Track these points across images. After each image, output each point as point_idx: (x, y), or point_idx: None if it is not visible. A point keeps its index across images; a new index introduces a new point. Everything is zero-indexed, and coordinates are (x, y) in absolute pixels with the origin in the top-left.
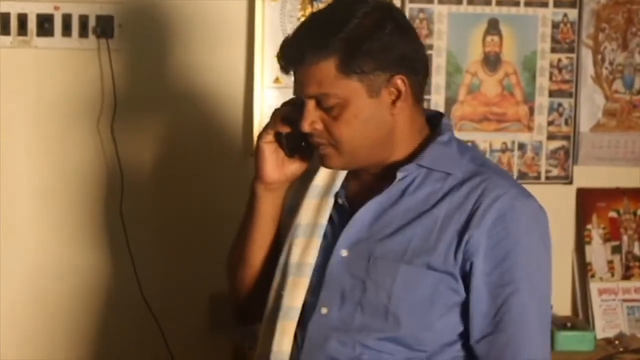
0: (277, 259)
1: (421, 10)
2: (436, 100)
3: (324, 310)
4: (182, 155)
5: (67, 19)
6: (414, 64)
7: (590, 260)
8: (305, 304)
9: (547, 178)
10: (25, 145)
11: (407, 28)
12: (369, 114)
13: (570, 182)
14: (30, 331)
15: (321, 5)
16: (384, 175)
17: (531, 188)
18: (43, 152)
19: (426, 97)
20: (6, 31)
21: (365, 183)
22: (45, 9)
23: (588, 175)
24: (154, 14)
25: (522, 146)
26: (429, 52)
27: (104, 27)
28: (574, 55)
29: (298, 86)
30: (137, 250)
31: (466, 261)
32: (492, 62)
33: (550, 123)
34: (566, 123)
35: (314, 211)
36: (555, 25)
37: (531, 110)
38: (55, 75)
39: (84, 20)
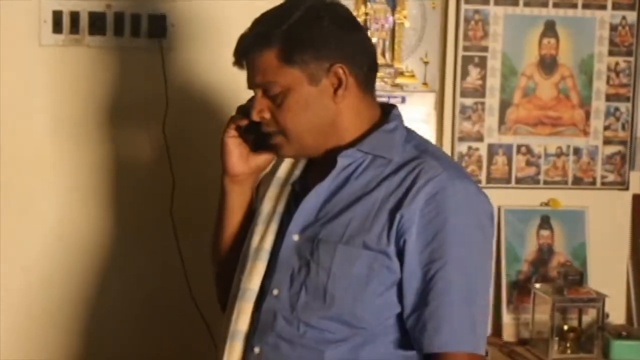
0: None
1: (476, 11)
2: (491, 103)
3: (275, 292)
4: None
5: (119, 18)
6: (356, 54)
7: None
8: (263, 288)
9: (602, 184)
10: (76, 145)
11: (348, 20)
12: (310, 101)
13: (627, 188)
14: (82, 333)
15: (375, 6)
16: (332, 162)
17: (586, 194)
18: (93, 153)
19: (480, 100)
20: (58, 29)
21: (319, 172)
22: (97, 7)
23: None
24: (207, 13)
25: (577, 151)
26: (483, 54)
27: (156, 27)
28: (632, 59)
29: (248, 78)
30: (188, 253)
31: (399, 239)
32: (548, 64)
33: (606, 128)
34: (623, 128)
35: (274, 200)
36: (613, 28)
37: (587, 115)
38: (107, 74)
39: (136, 19)
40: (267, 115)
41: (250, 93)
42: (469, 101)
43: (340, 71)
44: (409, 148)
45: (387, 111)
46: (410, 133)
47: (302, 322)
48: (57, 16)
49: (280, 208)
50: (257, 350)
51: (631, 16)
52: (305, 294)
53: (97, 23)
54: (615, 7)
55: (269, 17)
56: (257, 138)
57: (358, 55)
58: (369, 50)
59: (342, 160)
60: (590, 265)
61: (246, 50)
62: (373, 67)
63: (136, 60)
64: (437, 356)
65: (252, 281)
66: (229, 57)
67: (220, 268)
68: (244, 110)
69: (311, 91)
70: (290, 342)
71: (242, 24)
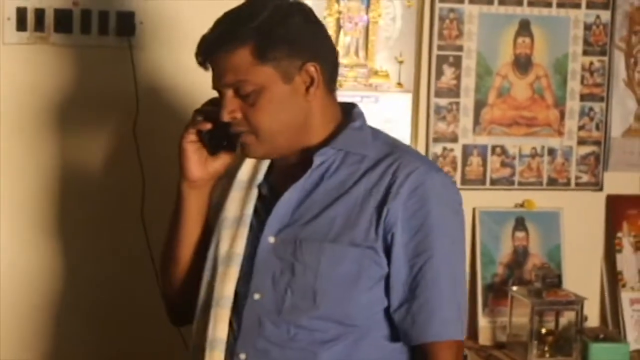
0: (205, 255)
1: (451, 10)
2: (465, 103)
3: (256, 296)
4: None
5: (86, 15)
6: (325, 53)
7: (622, 269)
8: (237, 293)
9: (577, 184)
10: (40, 147)
11: (315, 20)
12: (284, 100)
13: (600, 189)
14: (49, 339)
15: (349, 4)
16: (302, 162)
17: (561, 195)
18: (60, 154)
19: (455, 100)
20: (22, 27)
21: (285, 173)
22: (64, 4)
23: (618, 182)
24: (177, 11)
25: (552, 151)
26: (458, 53)
27: (125, 24)
28: (605, 59)
29: (216, 78)
30: (159, 254)
31: (387, 234)
32: (522, 64)
33: (580, 128)
34: (597, 128)
35: (239, 203)
36: (587, 27)
37: (562, 115)
38: (73, 73)
39: (103, 16)
40: (238, 116)
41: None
42: (443, 101)
43: (313, 69)
44: (379, 144)
45: (348, 110)
46: (373, 129)
47: (291, 324)
48: (21, 13)
49: (248, 211)
50: (242, 356)
51: (605, 15)
52: (292, 296)
53: (63, 20)
54: (590, 6)
55: (236, 15)
56: (214, 141)
57: (327, 54)
58: (334, 48)
59: (317, 159)
60: (565, 266)
61: (214, 50)
62: (337, 66)
63: (104, 59)
64: (426, 346)
65: (227, 287)
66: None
67: (174, 277)
68: (204, 113)
69: (285, 89)
70: (281, 345)
71: (212, 21)
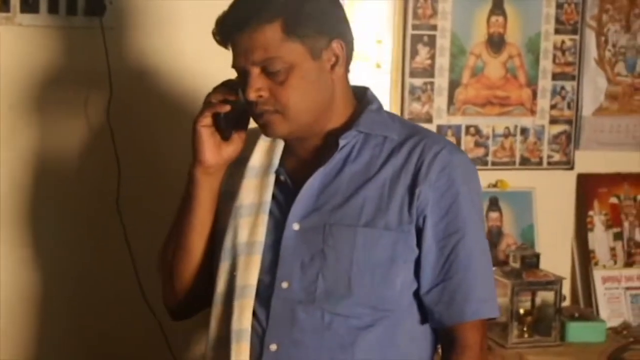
0: (215, 246)
1: None
2: (439, 82)
3: (284, 285)
4: (186, 143)
5: None
6: (346, 32)
7: (593, 248)
8: (259, 283)
9: (549, 164)
10: (7, 133)
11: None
12: (314, 77)
13: (572, 168)
14: (25, 332)
15: None
16: (321, 146)
17: (533, 174)
18: (30, 142)
19: (429, 80)
20: None
21: (302, 158)
22: None
23: (589, 161)
24: None
25: (524, 131)
26: (433, 32)
27: (94, 4)
28: (577, 37)
29: (240, 56)
30: (136, 245)
31: (419, 216)
32: (496, 43)
33: (552, 107)
34: (568, 107)
35: (256, 190)
36: (559, 6)
37: (534, 94)
38: (42, 55)
39: None
40: (265, 94)
41: (212, 77)
42: (418, 81)
43: (338, 47)
44: (398, 126)
45: (361, 93)
46: (390, 113)
47: (326, 311)
48: None
49: (267, 198)
50: (273, 347)
51: None
52: (324, 282)
53: (29, 0)
54: None
55: None
56: (230, 125)
57: (347, 33)
58: (351, 29)
59: (342, 142)
60: (538, 246)
61: (240, 26)
62: (353, 47)
63: (73, 40)
64: (460, 326)
65: (250, 276)
66: (176, 39)
67: (184, 271)
68: (220, 96)
69: (313, 66)
70: (316, 334)
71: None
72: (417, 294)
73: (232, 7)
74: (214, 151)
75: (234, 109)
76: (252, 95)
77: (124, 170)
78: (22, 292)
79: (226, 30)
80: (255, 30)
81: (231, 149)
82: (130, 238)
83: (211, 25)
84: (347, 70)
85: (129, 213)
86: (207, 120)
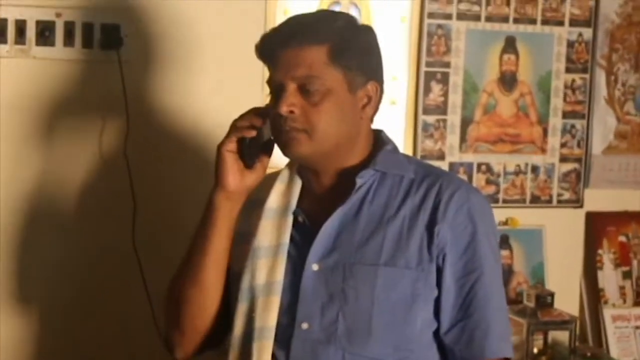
0: (230, 287)
1: (439, 26)
2: (452, 120)
3: (304, 326)
4: (205, 180)
5: (69, 27)
6: (382, 78)
7: (603, 286)
8: (278, 324)
9: (558, 202)
10: (24, 167)
11: (379, 44)
12: (346, 109)
13: (581, 206)
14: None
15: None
16: (338, 185)
17: (543, 212)
18: (45, 175)
19: (442, 117)
20: (3, 39)
21: (319, 197)
22: (46, 15)
23: (598, 199)
24: (163, 25)
25: (535, 169)
26: (446, 69)
27: (111, 37)
28: (587, 76)
29: (281, 70)
30: (152, 282)
31: (439, 254)
32: (508, 81)
33: (563, 145)
34: (578, 145)
35: (273, 232)
36: (570, 45)
37: (545, 132)
38: (57, 88)
39: (87, 29)
40: (297, 111)
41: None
42: (431, 118)
43: (373, 88)
44: (414, 166)
45: (376, 135)
46: (404, 154)
47: (347, 352)
48: (1, 24)
49: (285, 240)
50: None
51: (587, 33)
52: (344, 322)
53: (45, 32)
54: (573, 23)
55: (311, 17)
56: (254, 151)
57: (382, 79)
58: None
59: (359, 181)
60: (547, 284)
61: (289, 42)
62: (383, 93)
63: (89, 74)
64: None
65: (269, 318)
66: (192, 74)
67: (196, 304)
68: (248, 120)
69: (348, 98)
70: None
71: (203, 34)
72: (436, 334)
73: (282, 25)
74: (237, 177)
75: (260, 136)
76: (284, 109)
77: (140, 205)
78: (33, 337)
79: (272, 45)
80: (303, 47)
81: (254, 177)
82: (146, 274)
83: (227, 63)
84: (374, 114)
85: (145, 249)
86: (232, 145)
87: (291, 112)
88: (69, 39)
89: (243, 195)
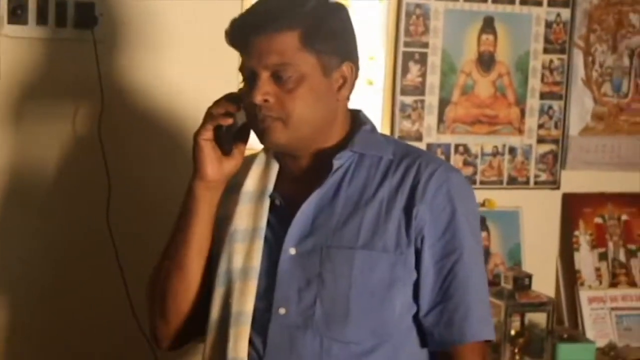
0: (211, 271)
1: (417, 5)
2: (430, 100)
3: (282, 311)
4: (179, 160)
5: (42, 5)
6: (357, 57)
7: (579, 268)
8: (255, 309)
9: (535, 183)
10: None
11: (352, 22)
12: (321, 93)
13: (558, 187)
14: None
15: None
16: (315, 167)
17: (520, 193)
18: (15, 156)
19: (420, 97)
20: None
21: (296, 180)
22: None
23: (574, 180)
24: (140, 3)
25: (512, 150)
26: (424, 50)
27: (85, 16)
28: (565, 57)
29: (253, 58)
30: (126, 261)
31: (417, 237)
32: (486, 61)
33: (540, 126)
34: (555, 126)
35: (250, 215)
36: (548, 25)
37: (522, 113)
38: (29, 68)
39: (61, 7)
40: (271, 99)
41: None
42: (408, 99)
43: (348, 69)
44: (392, 146)
45: (353, 114)
46: (383, 134)
47: (325, 337)
48: None
49: (261, 223)
50: None
51: (565, 13)
52: (322, 307)
53: (17, 11)
54: (551, 3)
55: (281, 1)
56: (231, 139)
57: (357, 58)
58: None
59: (336, 163)
60: (524, 266)
61: (259, 29)
62: (359, 73)
63: (63, 53)
64: (459, 348)
65: (246, 303)
66: (166, 53)
67: (179, 293)
68: (223, 107)
69: (323, 82)
70: None
71: (177, 15)
72: (416, 318)
73: (251, 10)
74: (216, 165)
75: (236, 122)
76: (258, 98)
77: (115, 184)
78: (5, 319)
79: (242, 32)
80: (274, 34)
81: (232, 164)
82: (120, 253)
83: (203, 42)
84: (350, 94)
85: (119, 228)
86: (208, 133)
87: (265, 100)
88: (41, 17)
89: (223, 183)
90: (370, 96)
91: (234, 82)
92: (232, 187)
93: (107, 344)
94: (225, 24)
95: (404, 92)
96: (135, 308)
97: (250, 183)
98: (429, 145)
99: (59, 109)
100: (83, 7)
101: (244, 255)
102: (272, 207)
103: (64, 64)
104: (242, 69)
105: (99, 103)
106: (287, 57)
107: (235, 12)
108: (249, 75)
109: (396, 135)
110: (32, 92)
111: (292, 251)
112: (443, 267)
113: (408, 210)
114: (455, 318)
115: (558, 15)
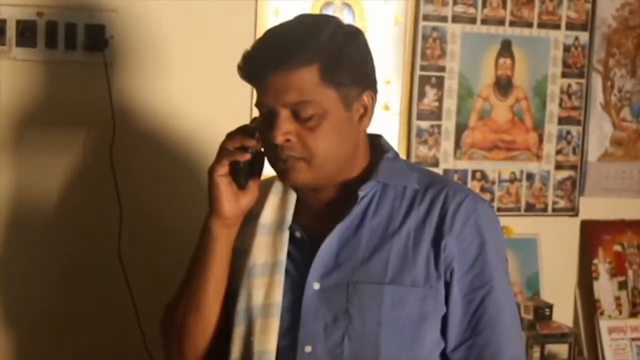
0: (230, 306)
1: (434, 28)
2: (447, 126)
3: (308, 349)
4: (192, 186)
5: (51, 28)
6: (376, 82)
7: (599, 297)
8: (278, 347)
9: (553, 210)
10: (4, 175)
11: (368, 46)
12: (344, 127)
13: (576, 214)
14: None
15: None
16: (337, 198)
17: (537, 220)
18: (25, 181)
19: (437, 122)
20: None
21: (317, 211)
22: (27, 14)
23: (593, 207)
24: (148, 26)
25: (530, 176)
26: (441, 74)
27: (95, 39)
28: (583, 81)
29: (270, 95)
30: (138, 292)
31: (447, 269)
32: (503, 86)
33: (558, 152)
34: (574, 152)
35: (269, 249)
36: (566, 49)
37: (540, 138)
38: (38, 91)
39: (71, 29)
40: (292, 139)
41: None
42: (425, 124)
43: (368, 99)
44: (416, 175)
45: (374, 141)
46: (405, 161)
47: None
48: None
49: (281, 257)
50: None
51: (584, 37)
52: (350, 344)
53: (26, 33)
54: (569, 27)
55: (295, 31)
56: (245, 172)
57: (376, 83)
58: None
59: (361, 194)
60: (542, 294)
61: (275, 65)
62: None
63: (72, 76)
64: None
65: (269, 342)
66: (180, 74)
67: (196, 334)
68: (238, 140)
69: (344, 116)
70: None
71: (188, 36)
72: (443, 354)
73: (265, 44)
74: (233, 201)
75: (252, 156)
76: (279, 139)
77: (126, 214)
78: (6, 345)
79: (257, 68)
80: (292, 71)
81: (248, 198)
82: (132, 284)
83: (217, 64)
84: (370, 123)
85: (131, 259)
86: (224, 169)
87: (287, 140)
88: (51, 40)
89: (240, 219)
90: (386, 121)
91: (246, 104)
92: (249, 217)
93: None
94: (240, 44)
95: (420, 117)
96: (146, 340)
97: (268, 214)
98: (445, 171)
99: (69, 133)
100: (93, 30)
101: (265, 291)
102: (293, 239)
103: (74, 87)
104: (258, 105)
105: (110, 126)
106: (306, 94)
107: (248, 34)
108: (267, 112)
109: (412, 161)
110: (42, 116)
111: (316, 286)
112: (472, 300)
113: (436, 242)
114: (486, 354)
115: (576, 38)
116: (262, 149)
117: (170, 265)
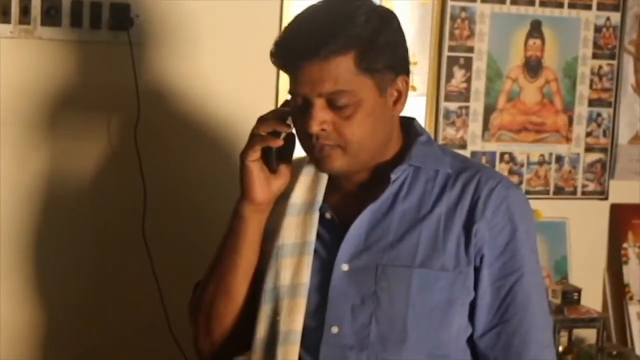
0: (258, 285)
1: (463, 8)
2: (475, 107)
3: (334, 330)
4: (218, 167)
5: (76, 7)
6: (409, 65)
7: (628, 282)
8: (304, 328)
9: (583, 193)
10: (27, 153)
11: (402, 30)
12: (379, 114)
13: (606, 198)
14: None
15: None
16: (369, 180)
17: (566, 203)
18: (49, 161)
19: (465, 104)
20: (6, 18)
21: (348, 193)
22: None
23: (623, 190)
24: (176, 3)
25: (559, 159)
26: (469, 54)
27: (120, 18)
28: (615, 62)
29: (305, 85)
30: (163, 276)
31: (477, 255)
32: (533, 67)
33: (588, 134)
34: (604, 134)
35: (298, 229)
36: (597, 30)
37: (570, 120)
38: (63, 71)
39: (96, 8)
40: (328, 128)
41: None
42: (453, 105)
43: (402, 83)
44: (449, 159)
45: (407, 123)
46: (439, 144)
47: (380, 358)
48: (4, 4)
49: (311, 237)
50: None
51: (615, 17)
52: (377, 327)
53: (51, 12)
54: (600, 7)
55: (328, 17)
56: (277, 156)
57: (409, 66)
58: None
59: (394, 177)
60: (571, 279)
61: (310, 54)
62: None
63: (97, 55)
64: None
65: (295, 321)
66: (205, 54)
67: (225, 315)
68: (271, 125)
69: (380, 103)
70: None
71: (214, 15)
72: (470, 339)
73: (297, 30)
74: (265, 186)
75: (286, 141)
76: (315, 128)
77: (150, 191)
78: (37, 323)
79: (291, 57)
80: (327, 61)
81: (280, 182)
82: (155, 264)
83: (242, 44)
84: (404, 107)
85: (155, 238)
86: (256, 154)
87: (323, 129)
88: (76, 19)
89: (271, 203)
90: (413, 102)
91: (273, 83)
92: (279, 197)
93: (140, 355)
94: (265, 25)
95: (448, 99)
96: (170, 320)
97: (299, 194)
98: (473, 154)
99: (93, 113)
100: (118, 9)
101: (292, 271)
102: (323, 220)
103: (99, 67)
104: (292, 92)
105: (135, 106)
106: (342, 83)
107: (274, 11)
108: (302, 100)
109: (439, 142)
110: (66, 96)
111: (345, 267)
112: (502, 287)
113: (468, 227)
114: (514, 342)
115: (608, 19)
116: (294, 131)
117: (195, 246)
